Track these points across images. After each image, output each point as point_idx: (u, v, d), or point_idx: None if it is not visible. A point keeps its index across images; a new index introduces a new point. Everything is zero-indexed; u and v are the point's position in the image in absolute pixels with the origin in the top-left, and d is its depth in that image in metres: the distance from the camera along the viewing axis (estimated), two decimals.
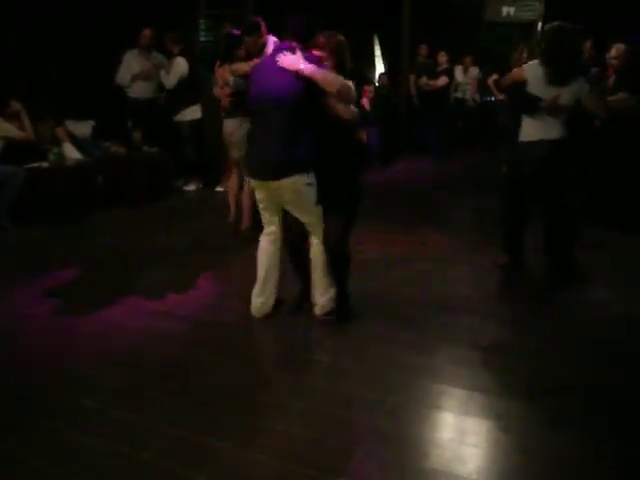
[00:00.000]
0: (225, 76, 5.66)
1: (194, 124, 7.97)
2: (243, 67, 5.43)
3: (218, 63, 5.83)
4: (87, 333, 4.05)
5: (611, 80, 7.02)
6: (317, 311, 4.17)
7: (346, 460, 2.78)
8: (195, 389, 3.36)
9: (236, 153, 5.79)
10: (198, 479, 2.63)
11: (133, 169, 7.44)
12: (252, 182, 4.06)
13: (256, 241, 4.22)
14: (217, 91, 5.85)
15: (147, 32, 7.84)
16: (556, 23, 4.76)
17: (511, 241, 5.17)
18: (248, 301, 4.24)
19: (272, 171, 3.79)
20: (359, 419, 3.11)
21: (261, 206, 4.08)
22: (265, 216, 4.12)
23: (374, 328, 4.05)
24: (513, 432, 3.00)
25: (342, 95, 3.66)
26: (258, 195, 4.04)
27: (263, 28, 5.50)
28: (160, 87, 8.05)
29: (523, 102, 4.87)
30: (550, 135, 4.76)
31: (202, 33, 9.50)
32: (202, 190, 8.10)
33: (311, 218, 3.94)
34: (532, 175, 4.83)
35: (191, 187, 8.07)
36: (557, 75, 4.65)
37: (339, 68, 3.82)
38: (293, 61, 3.63)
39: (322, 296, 4.13)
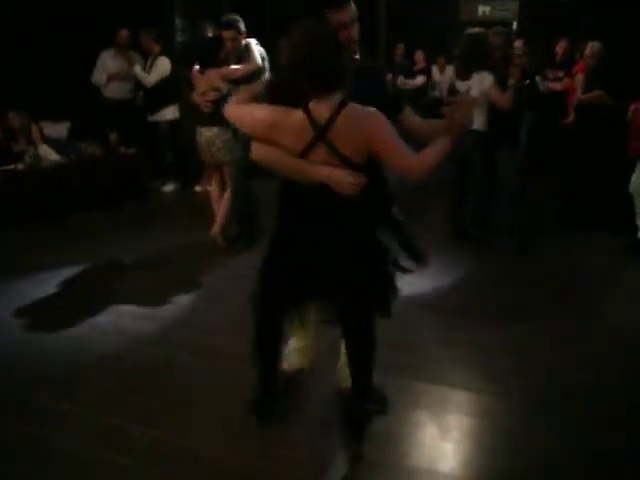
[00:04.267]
0: (212, 81, 5.31)
1: (172, 124, 7.91)
2: (238, 71, 5.29)
3: (197, 67, 5.51)
4: (65, 336, 4.00)
5: (579, 78, 7.14)
6: None
7: (328, 459, 2.78)
8: (179, 392, 3.34)
9: (212, 159, 5.54)
10: None
11: (110, 170, 7.36)
12: None
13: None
14: (197, 98, 5.46)
15: (124, 32, 7.77)
16: (468, 30, 5.69)
17: (454, 217, 5.95)
18: (230, 306, 4.22)
19: None
20: (341, 418, 3.10)
21: None
22: None
23: None
24: (495, 429, 3.02)
25: None
26: None
27: (241, 25, 5.39)
28: (136, 87, 7.98)
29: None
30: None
31: (179, 33, 9.45)
32: (180, 191, 8.03)
33: None
34: (462, 158, 5.65)
35: (169, 188, 8.00)
36: (457, 70, 5.70)
37: None
38: None
39: None
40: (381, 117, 2.45)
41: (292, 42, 2.41)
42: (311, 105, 2.43)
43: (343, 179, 2.48)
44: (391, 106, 2.66)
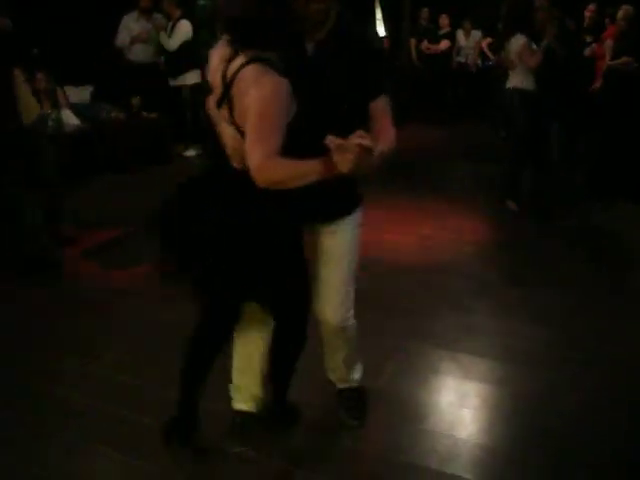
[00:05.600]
0: None
1: (194, 88, 7.88)
2: None
3: None
4: (84, 299, 4.06)
5: (608, 44, 6.99)
6: None
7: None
8: None
9: None
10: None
11: (132, 135, 7.39)
12: None
13: None
14: None
15: None
16: None
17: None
18: None
19: None
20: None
21: None
22: None
23: (373, 294, 3.87)
24: (513, 397, 3.02)
25: None
26: None
27: None
28: (160, 51, 7.93)
29: None
30: (512, 83, 5.68)
31: None
32: (202, 155, 8.03)
33: None
34: (506, 117, 5.96)
35: (191, 152, 8.01)
36: (501, 32, 6.02)
37: None
38: None
39: None
40: (271, 89, 1.93)
41: None
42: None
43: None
44: (371, 88, 2.18)
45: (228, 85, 2.01)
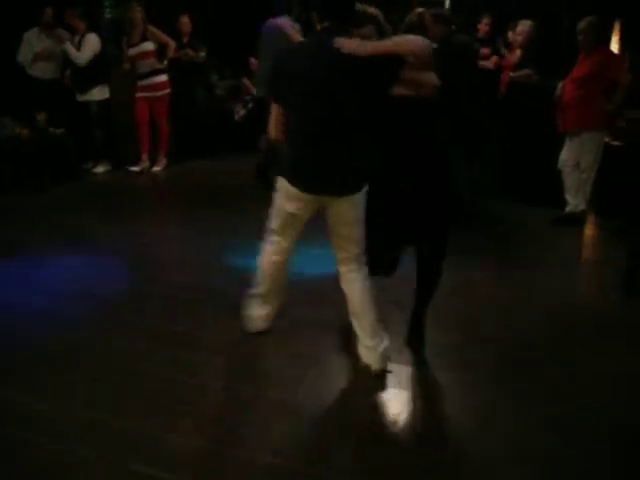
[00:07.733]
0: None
1: (102, 104, 7.69)
2: None
3: None
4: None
5: (515, 56, 7.25)
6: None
7: (267, 437, 2.78)
8: (113, 374, 3.27)
9: None
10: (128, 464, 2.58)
11: (38, 152, 7.12)
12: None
13: None
14: None
15: (49, 10, 7.50)
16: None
17: None
18: (165, 288, 4.15)
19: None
20: (278, 395, 3.11)
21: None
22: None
23: (295, 308, 3.89)
24: (430, 401, 3.08)
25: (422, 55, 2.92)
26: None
27: None
28: (63, 66, 7.71)
29: None
30: None
31: (107, 10, 9.17)
32: (111, 172, 7.85)
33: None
34: None
35: (100, 169, 7.80)
36: None
37: None
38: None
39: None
40: None
41: None
42: None
43: None
44: None
45: None
